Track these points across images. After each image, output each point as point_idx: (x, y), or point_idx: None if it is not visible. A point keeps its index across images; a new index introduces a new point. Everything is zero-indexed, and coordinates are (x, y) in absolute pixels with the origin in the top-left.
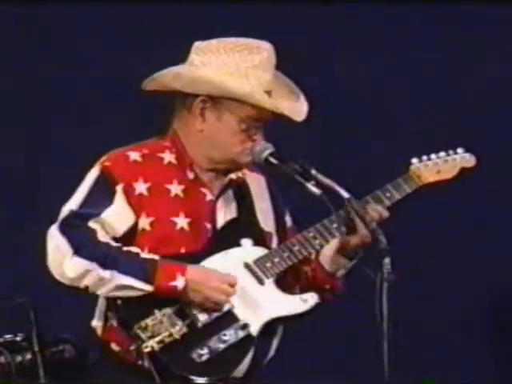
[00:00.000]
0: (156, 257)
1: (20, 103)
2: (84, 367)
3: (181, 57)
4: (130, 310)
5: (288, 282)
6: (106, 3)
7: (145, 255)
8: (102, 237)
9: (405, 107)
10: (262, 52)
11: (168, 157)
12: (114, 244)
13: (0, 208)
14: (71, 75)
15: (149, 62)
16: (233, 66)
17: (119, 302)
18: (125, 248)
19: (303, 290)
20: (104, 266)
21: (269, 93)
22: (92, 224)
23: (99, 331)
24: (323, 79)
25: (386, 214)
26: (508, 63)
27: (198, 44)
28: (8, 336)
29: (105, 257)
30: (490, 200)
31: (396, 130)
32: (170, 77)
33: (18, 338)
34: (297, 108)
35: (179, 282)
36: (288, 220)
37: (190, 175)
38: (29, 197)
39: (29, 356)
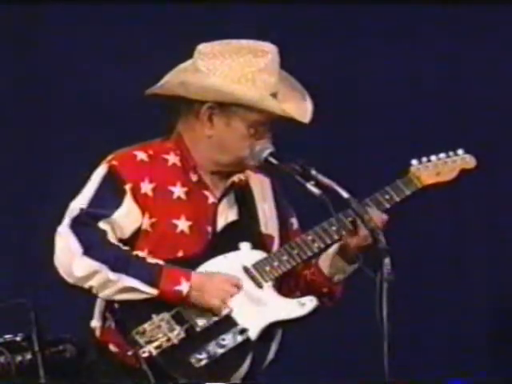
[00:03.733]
0: (161, 262)
1: (20, 104)
2: (83, 367)
3: (182, 58)
4: (127, 314)
5: (289, 286)
6: (106, 3)
7: (151, 260)
8: (112, 239)
9: (405, 108)
10: (266, 55)
11: (172, 158)
12: (123, 247)
13: (1, 208)
14: (71, 76)
15: (149, 63)
16: (239, 71)
17: (116, 305)
18: (133, 252)
19: (303, 294)
20: (114, 268)
21: (275, 95)
22: (103, 225)
23: (98, 332)
24: (323, 79)
25: (384, 217)
26: (508, 64)
27: (201, 48)
28: (8, 336)
29: (115, 259)
30: (491, 199)
31: (396, 131)
32: (175, 84)
33: (18, 338)
34: (303, 108)
35: (184, 287)
36: (294, 223)
37: (194, 177)
38: (29, 197)
39: (29, 356)
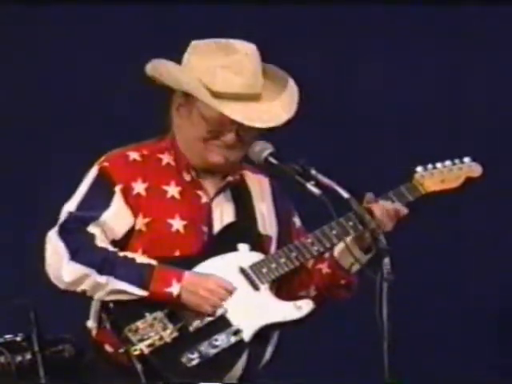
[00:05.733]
0: (153, 261)
1: (20, 104)
2: (81, 367)
3: (181, 58)
4: (121, 314)
5: (300, 282)
6: (105, 3)
7: (142, 260)
8: (100, 241)
9: (405, 110)
10: (235, 54)
11: (167, 158)
12: (111, 249)
13: (0, 208)
14: (71, 76)
15: (148, 60)
16: (204, 66)
17: (111, 305)
18: (121, 253)
19: (319, 289)
20: (101, 271)
21: (238, 96)
22: (91, 228)
23: (94, 332)
24: (323, 80)
25: (405, 210)
26: (508, 63)
27: (193, 43)
28: (8, 336)
29: (102, 262)
30: (491, 200)
31: (397, 133)
32: (150, 68)
33: (18, 338)
34: (266, 112)
35: (174, 289)
36: (296, 221)
37: (187, 177)
38: (29, 197)
39: (29, 356)
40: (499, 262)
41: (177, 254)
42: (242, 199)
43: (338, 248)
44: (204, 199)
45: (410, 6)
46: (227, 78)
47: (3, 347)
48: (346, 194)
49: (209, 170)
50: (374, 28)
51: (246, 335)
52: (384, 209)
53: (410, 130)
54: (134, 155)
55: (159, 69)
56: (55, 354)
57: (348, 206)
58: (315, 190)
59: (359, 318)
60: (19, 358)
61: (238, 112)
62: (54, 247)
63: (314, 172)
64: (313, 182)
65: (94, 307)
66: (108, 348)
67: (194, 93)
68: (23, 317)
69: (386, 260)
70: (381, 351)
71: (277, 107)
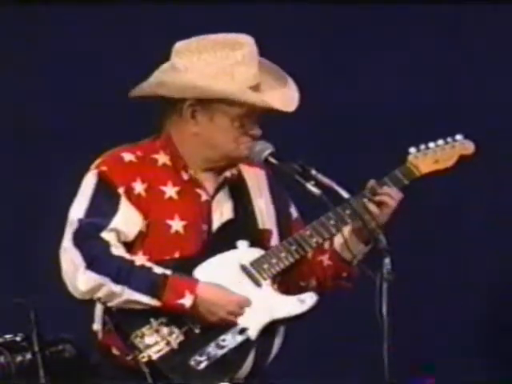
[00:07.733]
0: (168, 271)
1: (20, 104)
2: (85, 368)
3: None
4: (125, 318)
5: (301, 274)
6: (105, 3)
7: (157, 269)
8: (116, 248)
9: (405, 105)
10: (243, 47)
11: (162, 158)
12: (128, 257)
13: (1, 209)
14: (70, 76)
15: (149, 62)
16: (216, 66)
17: (114, 309)
18: (139, 262)
19: (319, 280)
20: (116, 281)
21: (256, 87)
22: (105, 235)
23: (100, 335)
24: (323, 78)
25: (400, 195)
26: (506, 59)
27: (177, 46)
28: (8, 336)
29: (118, 272)
30: (490, 197)
31: (396, 129)
32: (154, 85)
33: (18, 338)
34: (287, 97)
35: (187, 300)
36: (293, 212)
37: (185, 176)
38: (30, 198)
39: (29, 356)
40: (499, 260)
41: (176, 255)
42: (240, 195)
43: (339, 240)
44: (204, 197)
45: (409, 5)
46: (244, 73)
47: (3, 347)
48: (345, 194)
49: (210, 168)
50: (373, 27)
51: (252, 333)
52: (395, 195)
53: (409, 129)
54: (128, 156)
55: (165, 85)
56: (55, 354)
57: (348, 205)
58: (315, 190)
59: (359, 318)
60: (19, 358)
61: (275, 101)
62: (71, 256)
63: (313, 172)
64: (313, 182)
65: (98, 310)
66: (115, 351)
67: (237, 96)
68: (23, 316)
69: (387, 260)
70: (381, 351)
71: (284, 90)
